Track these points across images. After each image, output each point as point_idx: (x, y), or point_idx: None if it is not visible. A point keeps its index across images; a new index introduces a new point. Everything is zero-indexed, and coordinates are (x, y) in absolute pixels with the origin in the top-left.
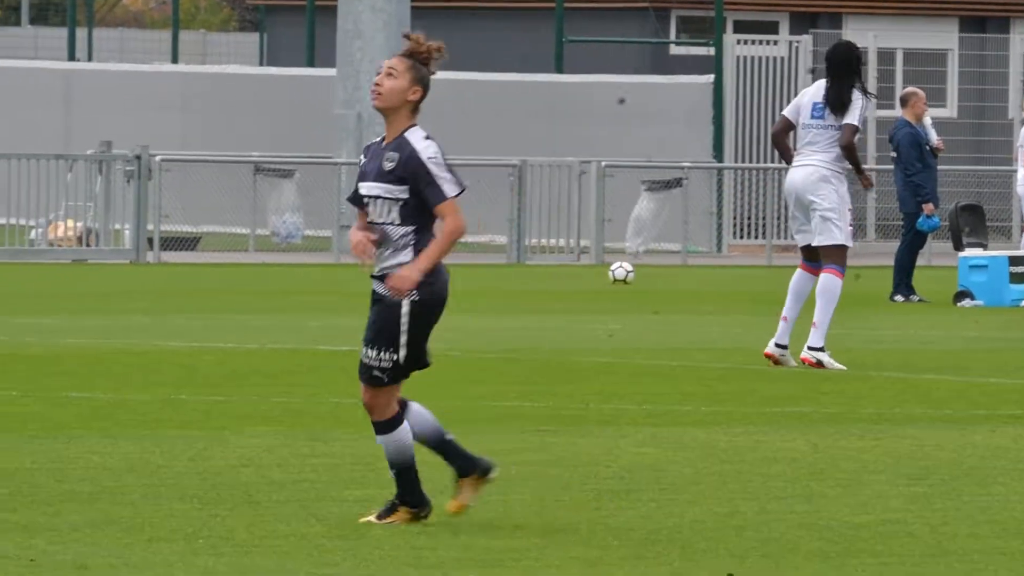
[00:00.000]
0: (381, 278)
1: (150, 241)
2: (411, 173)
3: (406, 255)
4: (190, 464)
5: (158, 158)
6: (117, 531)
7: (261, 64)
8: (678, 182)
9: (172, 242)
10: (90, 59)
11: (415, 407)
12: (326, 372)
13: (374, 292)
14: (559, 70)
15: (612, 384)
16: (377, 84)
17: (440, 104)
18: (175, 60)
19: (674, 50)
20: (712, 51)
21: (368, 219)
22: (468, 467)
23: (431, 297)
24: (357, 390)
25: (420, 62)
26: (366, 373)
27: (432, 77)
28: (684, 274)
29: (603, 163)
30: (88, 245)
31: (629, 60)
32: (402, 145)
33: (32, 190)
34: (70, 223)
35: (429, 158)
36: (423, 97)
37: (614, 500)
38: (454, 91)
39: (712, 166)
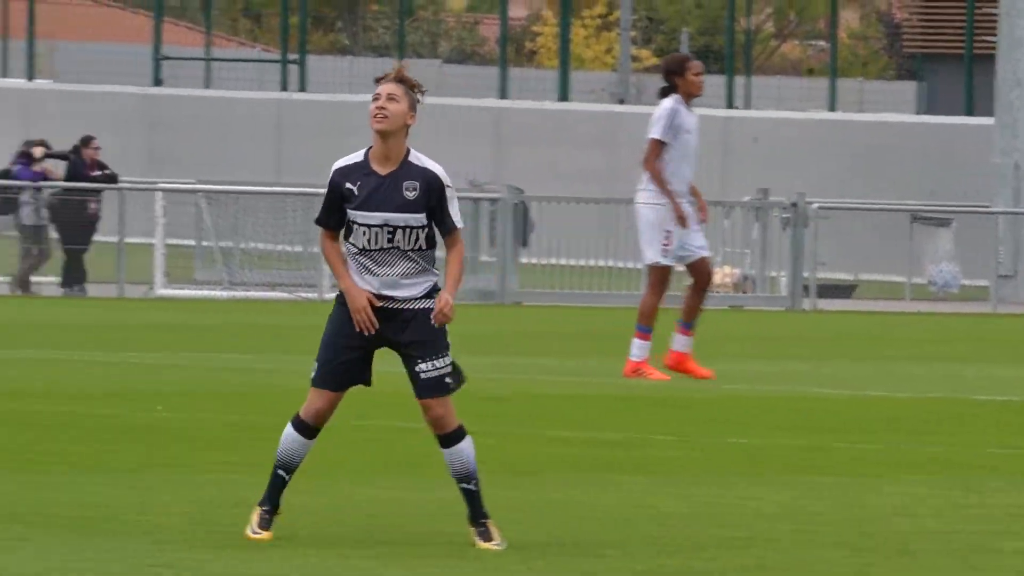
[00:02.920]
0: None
1: (806, 288)
2: (436, 199)
3: (431, 276)
4: (844, 512)
5: (815, 205)
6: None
7: (918, 113)
8: None
9: (828, 289)
10: (748, 106)
11: None
12: (981, 422)
13: (387, 313)
14: None
15: None
16: (381, 108)
17: None
18: (832, 108)
19: None
20: None
21: (363, 247)
22: None
23: None
24: (1014, 440)
25: (412, 89)
26: (437, 385)
27: None
28: None
29: None
30: (744, 292)
31: None
32: (415, 171)
33: None
34: (727, 269)
35: (447, 185)
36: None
37: None
38: None
39: None
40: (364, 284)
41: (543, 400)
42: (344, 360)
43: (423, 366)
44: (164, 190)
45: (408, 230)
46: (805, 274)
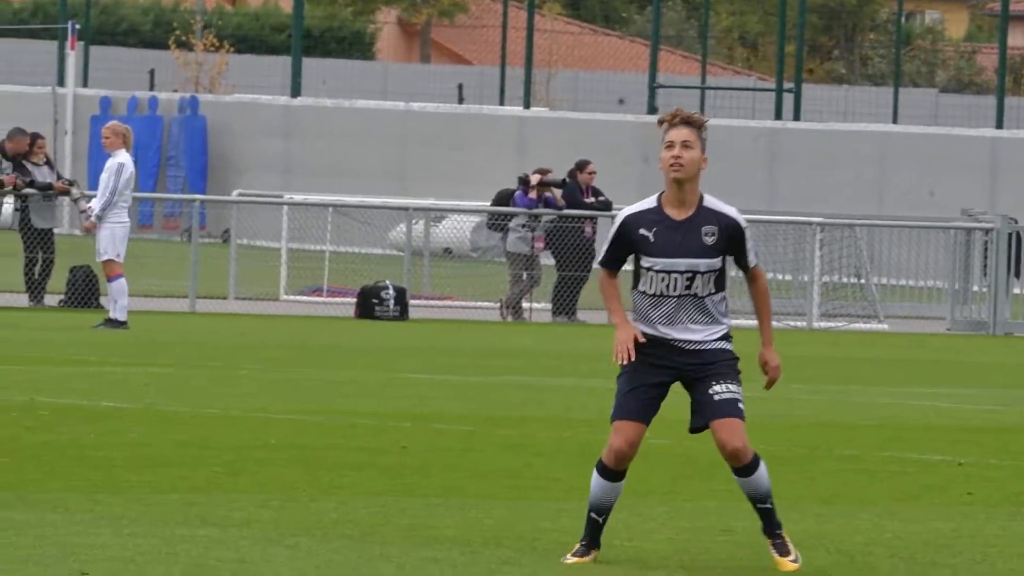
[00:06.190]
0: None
1: None
2: (732, 242)
3: (726, 321)
4: None
5: None
6: None
7: None
8: None
9: None
10: None
11: None
12: None
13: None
14: None
15: None
16: (678, 157)
17: None
18: None
19: None
20: None
21: (659, 293)
22: None
23: None
24: None
25: (700, 129)
26: (731, 406)
27: None
28: None
29: None
30: None
31: None
32: (711, 216)
33: None
34: None
35: (746, 227)
36: None
37: None
38: None
39: None
40: (649, 329)
41: None
42: (640, 389)
43: (717, 387)
44: None
45: (707, 275)
46: None
